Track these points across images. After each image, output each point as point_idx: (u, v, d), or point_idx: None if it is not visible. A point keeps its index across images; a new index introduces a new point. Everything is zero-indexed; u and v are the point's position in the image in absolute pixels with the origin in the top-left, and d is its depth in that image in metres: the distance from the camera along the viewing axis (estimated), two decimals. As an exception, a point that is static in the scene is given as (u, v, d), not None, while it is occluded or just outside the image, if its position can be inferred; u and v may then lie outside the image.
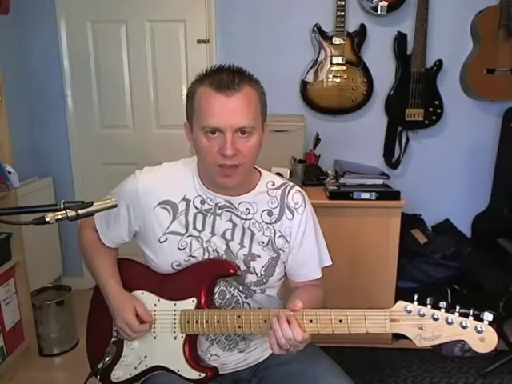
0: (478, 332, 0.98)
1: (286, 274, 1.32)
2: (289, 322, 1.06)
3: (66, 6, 2.79)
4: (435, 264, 2.46)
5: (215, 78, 1.11)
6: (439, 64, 2.64)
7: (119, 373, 1.26)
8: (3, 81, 2.15)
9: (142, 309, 1.22)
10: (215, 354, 1.27)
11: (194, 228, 1.23)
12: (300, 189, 1.31)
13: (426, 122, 2.69)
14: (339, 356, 1.36)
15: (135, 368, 1.25)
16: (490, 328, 0.98)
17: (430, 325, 1.00)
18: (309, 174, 2.52)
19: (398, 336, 2.40)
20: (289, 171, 2.44)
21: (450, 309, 1.01)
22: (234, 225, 1.24)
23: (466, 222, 2.87)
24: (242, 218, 1.24)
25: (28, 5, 2.75)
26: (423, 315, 1.01)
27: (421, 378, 2.21)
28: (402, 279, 2.39)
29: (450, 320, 0.99)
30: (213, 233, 1.24)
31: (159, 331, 1.24)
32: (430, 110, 2.68)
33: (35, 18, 2.78)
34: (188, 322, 1.19)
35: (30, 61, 2.83)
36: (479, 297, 2.28)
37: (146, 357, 1.25)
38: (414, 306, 1.02)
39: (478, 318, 0.99)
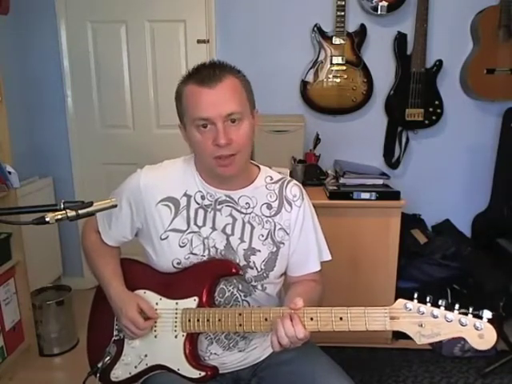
0: (477, 329, 0.99)
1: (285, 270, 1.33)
2: (291, 319, 1.07)
3: (66, 6, 2.80)
4: (435, 264, 2.46)
5: (197, 75, 1.15)
6: (439, 64, 2.64)
7: (119, 372, 1.26)
8: (3, 81, 2.15)
9: (146, 305, 1.23)
10: (215, 353, 1.27)
11: (195, 223, 1.25)
12: (298, 183, 1.34)
13: (426, 122, 2.69)
14: (339, 356, 1.36)
15: (135, 367, 1.25)
16: (489, 325, 1.00)
17: (429, 322, 1.01)
18: (309, 173, 2.52)
19: (398, 336, 2.42)
20: (289, 171, 2.43)
21: (449, 307, 1.02)
22: (234, 219, 1.25)
23: (466, 222, 2.87)
24: (241, 213, 1.26)
25: (28, 5, 2.75)
26: (423, 313, 1.02)
27: (421, 378, 2.21)
28: (402, 279, 2.39)
29: (449, 317, 1.00)
30: (213, 228, 1.24)
31: (160, 330, 1.24)
32: (430, 110, 2.68)
33: (35, 18, 2.79)
34: (189, 320, 1.20)
35: (30, 61, 2.83)
36: (479, 297, 2.28)
37: (146, 355, 1.25)
38: (413, 304, 1.03)
39: (477, 316, 0.99)
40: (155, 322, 1.24)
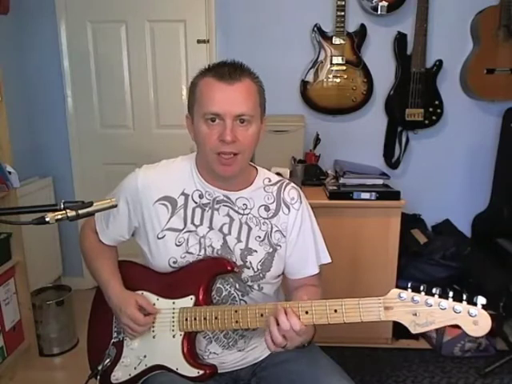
0: (471, 316, 0.99)
1: (283, 273, 1.33)
2: (286, 313, 1.07)
3: (66, 6, 2.80)
4: (435, 264, 2.46)
5: (217, 70, 1.16)
6: (439, 64, 2.64)
7: (119, 374, 1.27)
8: (3, 81, 2.14)
9: (144, 302, 1.23)
10: (214, 352, 1.27)
11: (192, 223, 1.25)
12: (296, 186, 1.34)
13: (426, 122, 2.69)
14: (339, 356, 1.36)
15: (135, 368, 1.25)
16: (483, 312, 0.99)
17: (423, 311, 1.01)
18: (309, 174, 2.52)
19: (398, 336, 2.42)
20: (289, 171, 2.44)
21: (443, 295, 1.02)
22: (232, 219, 1.25)
23: (466, 222, 2.87)
24: (239, 213, 1.26)
25: (28, 5, 2.75)
26: (417, 302, 1.02)
27: (421, 378, 2.21)
28: (402, 279, 2.39)
29: (443, 305, 1.00)
30: (210, 227, 1.25)
31: (158, 330, 1.24)
32: (430, 110, 2.68)
33: (35, 18, 2.79)
34: (186, 319, 1.20)
35: (30, 61, 2.83)
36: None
37: (145, 356, 1.25)
38: (407, 293, 1.03)
39: (472, 303, 0.99)
40: (153, 323, 1.24)
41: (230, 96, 1.13)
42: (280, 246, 1.28)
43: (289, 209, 1.28)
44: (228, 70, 1.14)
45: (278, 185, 1.31)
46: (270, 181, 1.31)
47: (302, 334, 1.07)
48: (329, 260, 1.35)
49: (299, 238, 1.29)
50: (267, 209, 1.27)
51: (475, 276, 2.46)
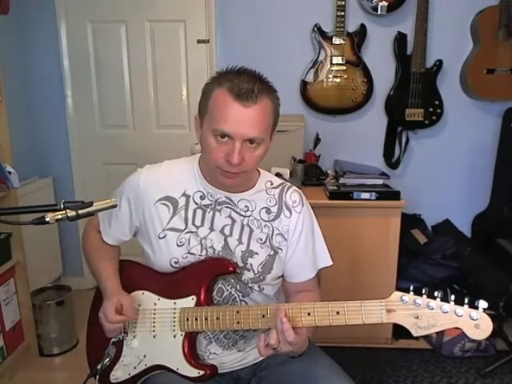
0: (473, 319, 0.99)
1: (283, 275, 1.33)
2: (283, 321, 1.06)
3: (66, 6, 2.80)
4: (435, 264, 2.46)
5: (235, 82, 1.10)
6: (439, 64, 2.64)
7: (118, 373, 1.26)
8: (3, 81, 2.15)
9: (126, 303, 1.21)
10: (214, 353, 1.27)
11: (193, 224, 1.25)
12: (298, 189, 1.33)
13: (426, 122, 2.70)
14: (339, 356, 1.36)
15: (134, 368, 1.25)
16: (485, 315, 1.00)
17: (425, 314, 1.02)
18: (309, 174, 2.52)
19: (398, 336, 2.42)
20: (289, 171, 2.44)
21: (445, 298, 1.03)
22: (233, 221, 1.25)
23: (466, 222, 2.87)
24: (240, 215, 1.26)
25: (28, 5, 2.75)
26: (419, 305, 1.02)
27: (421, 378, 2.21)
28: (402, 279, 2.39)
29: (445, 309, 1.01)
30: (211, 228, 1.24)
31: (159, 330, 1.24)
32: (430, 110, 2.68)
33: (35, 18, 2.79)
34: (187, 319, 1.20)
35: (30, 61, 2.83)
36: (479, 297, 2.27)
37: (145, 356, 1.25)
38: (409, 296, 1.03)
39: (473, 306, 1.00)
40: (153, 323, 1.24)
41: (244, 119, 1.09)
42: (281, 249, 1.27)
43: (290, 212, 1.28)
44: (246, 89, 1.08)
45: (280, 188, 1.31)
46: (272, 184, 1.31)
47: (294, 344, 1.07)
48: (330, 263, 1.35)
49: (300, 242, 1.29)
50: (268, 211, 1.27)
51: (475, 276, 2.46)
